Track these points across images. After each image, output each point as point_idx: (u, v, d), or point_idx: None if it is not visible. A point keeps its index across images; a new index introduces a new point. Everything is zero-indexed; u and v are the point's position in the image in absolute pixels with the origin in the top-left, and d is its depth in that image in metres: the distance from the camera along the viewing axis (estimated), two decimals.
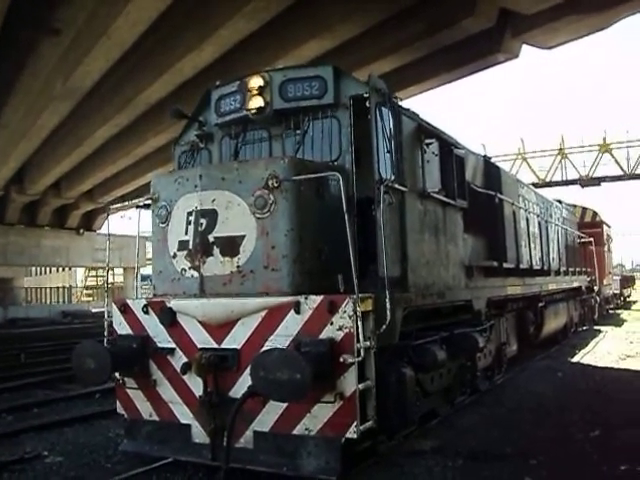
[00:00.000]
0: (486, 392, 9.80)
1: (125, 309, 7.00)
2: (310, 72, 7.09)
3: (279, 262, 6.03)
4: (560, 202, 17.30)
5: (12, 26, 16.38)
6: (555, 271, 14.47)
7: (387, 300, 5.98)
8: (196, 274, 6.35)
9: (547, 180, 33.57)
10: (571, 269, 16.45)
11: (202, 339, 6.38)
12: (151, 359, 6.72)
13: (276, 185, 6.05)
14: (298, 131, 7.17)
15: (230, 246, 6.19)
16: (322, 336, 5.76)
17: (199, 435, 6.34)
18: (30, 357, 17.28)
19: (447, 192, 7.97)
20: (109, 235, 8.22)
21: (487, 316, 9.29)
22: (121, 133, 24.02)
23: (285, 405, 5.83)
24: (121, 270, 45.96)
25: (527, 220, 11.98)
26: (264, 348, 5.91)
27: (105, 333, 7.21)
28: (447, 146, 8.07)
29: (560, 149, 33.59)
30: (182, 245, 6.49)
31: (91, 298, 55.83)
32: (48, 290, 55.59)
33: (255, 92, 7.11)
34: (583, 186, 33.24)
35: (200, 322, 6.39)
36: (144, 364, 6.73)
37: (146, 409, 6.78)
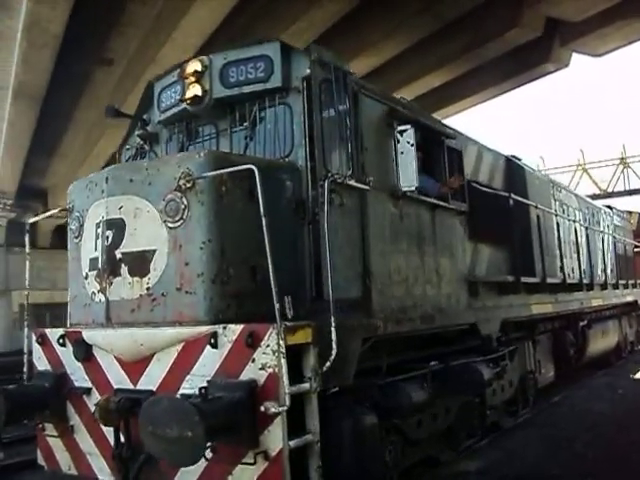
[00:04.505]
0: (541, 411, 9.21)
1: (43, 341, 5.90)
2: (255, 51, 5.80)
3: (193, 282, 4.78)
4: (610, 208, 15.43)
5: (68, 60, 16.77)
6: (601, 285, 12.61)
7: (332, 329, 4.67)
8: (103, 298, 5.17)
9: (609, 191, 31.29)
10: (623, 282, 14.49)
11: (118, 378, 5.21)
12: (68, 401, 5.59)
13: (189, 186, 4.82)
14: (245, 124, 5.95)
15: (139, 264, 4.97)
16: (243, 377, 4.49)
17: None
18: None
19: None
20: (28, 253, 7.08)
21: (503, 341, 7.80)
22: None
23: (203, 465, 4.57)
24: None
25: (559, 226, 10.26)
26: (182, 391, 4.71)
27: (24, 369, 6.12)
28: (435, 135, 6.65)
29: (622, 158, 31.30)
30: (93, 264, 5.33)
31: None
32: None
33: (192, 79, 5.93)
34: None
35: (116, 357, 5.22)
36: (60, 407, 5.59)
37: (65, 461, 5.65)
